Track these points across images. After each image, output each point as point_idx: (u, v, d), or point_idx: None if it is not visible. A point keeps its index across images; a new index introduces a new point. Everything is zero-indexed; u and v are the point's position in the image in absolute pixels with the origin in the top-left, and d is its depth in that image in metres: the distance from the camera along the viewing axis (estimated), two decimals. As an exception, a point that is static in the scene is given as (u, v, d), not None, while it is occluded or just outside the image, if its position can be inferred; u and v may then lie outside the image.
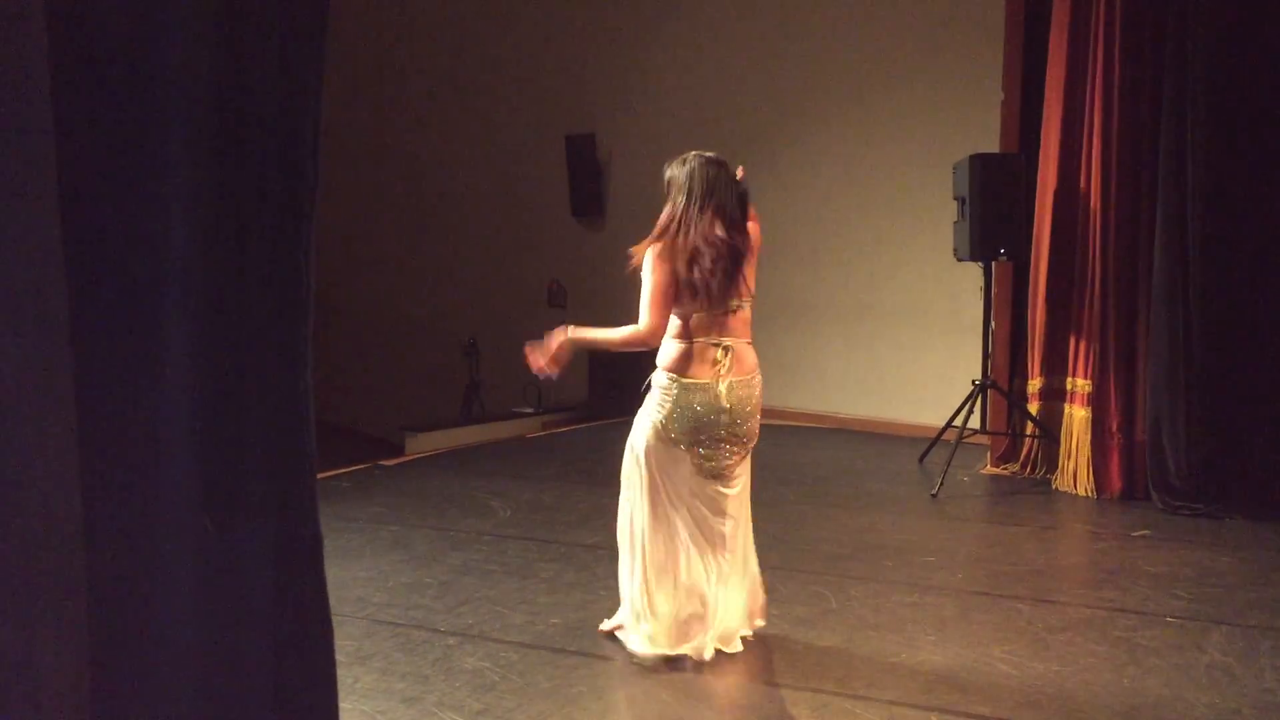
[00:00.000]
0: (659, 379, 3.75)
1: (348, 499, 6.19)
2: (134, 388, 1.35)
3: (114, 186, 1.33)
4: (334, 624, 4.05)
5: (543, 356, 3.78)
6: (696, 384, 3.69)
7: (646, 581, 3.80)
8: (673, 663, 3.77)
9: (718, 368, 3.69)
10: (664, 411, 3.72)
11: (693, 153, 3.75)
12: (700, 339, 3.70)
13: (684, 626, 3.79)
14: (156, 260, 1.35)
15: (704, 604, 3.79)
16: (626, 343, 3.72)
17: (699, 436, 3.71)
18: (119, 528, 1.34)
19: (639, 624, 3.83)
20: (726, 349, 3.70)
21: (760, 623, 4.00)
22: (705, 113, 9.30)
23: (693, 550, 3.77)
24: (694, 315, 3.69)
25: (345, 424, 11.71)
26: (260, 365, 1.43)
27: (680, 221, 3.64)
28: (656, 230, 3.68)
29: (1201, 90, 5.78)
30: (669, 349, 3.74)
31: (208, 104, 1.39)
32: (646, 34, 9.94)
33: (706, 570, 3.78)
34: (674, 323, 3.73)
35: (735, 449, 3.77)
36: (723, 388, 3.69)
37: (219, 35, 1.40)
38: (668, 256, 3.63)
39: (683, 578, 3.78)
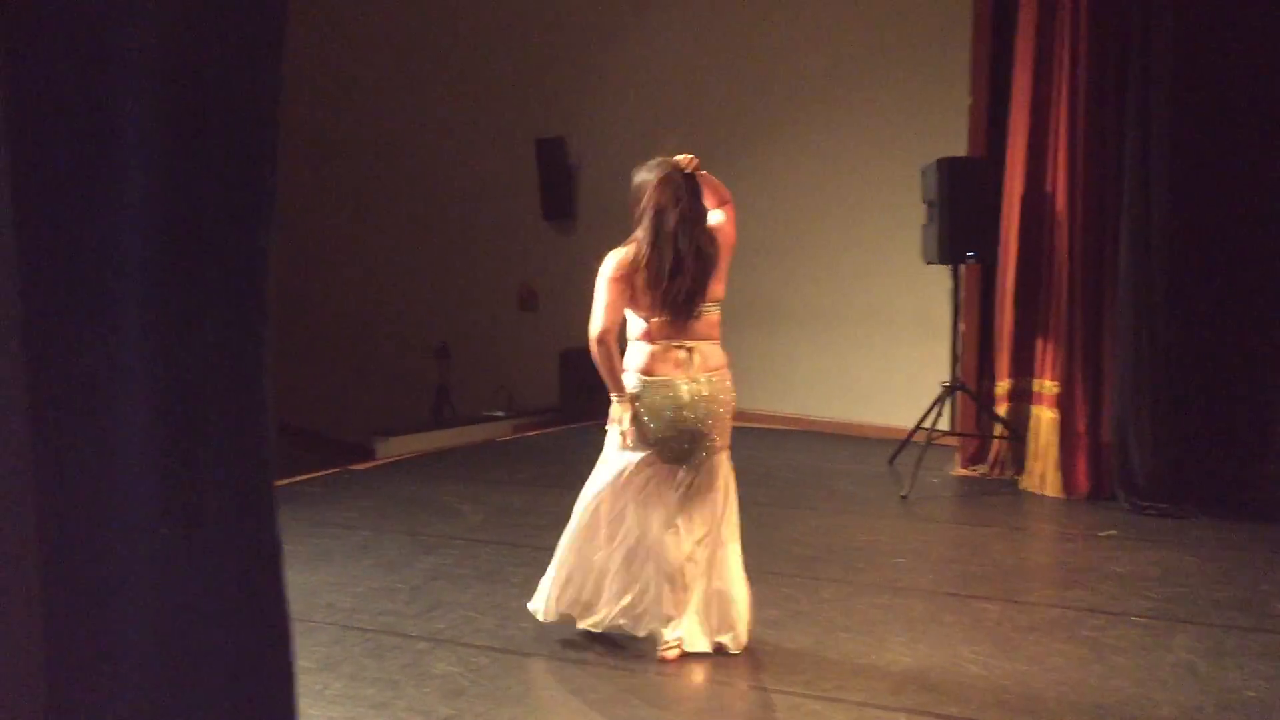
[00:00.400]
0: (627, 379, 3.78)
1: (318, 504, 6.15)
2: (89, 394, 1.33)
3: (68, 188, 1.31)
4: (303, 630, 4.02)
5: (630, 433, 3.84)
6: (659, 381, 3.75)
7: (566, 547, 3.94)
8: (643, 665, 3.78)
9: (681, 367, 3.74)
10: (633, 410, 3.77)
11: (657, 160, 3.79)
12: (662, 342, 3.76)
13: (583, 604, 3.94)
14: (112, 262, 1.33)
15: (613, 590, 3.88)
16: (596, 354, 3.76)
17: (663, 433, 3.75)
18: (74, 538, 1.31)
19: (548, 583, 3.98)
20: (690, 350, 3.75)
21: (727, 639, 3.91)
22: (675, 116, 9.30)
23: (640, 541, 3.84)
24: (654, 320, 3.75)
25: (315, 429, 11.64)
26: (219, 371, 1.40)
27: (642, 253, 3.70)
28: (624, 261, 3.74)
29: (1166, 95, 5.85)
30: (635, 351, 3.80)
31: (164, 101, 1.37)
32: (616, 38, 9.95)
33: (632, 563, 3.85)
34: (638, 324, 3.78)
35: (696, 447, 3.79)
36: (684, 385, 3.73)
37: (176, 25, 1.38)
38: (626, 279, 3.72)
39: (606, 559, 3.89)
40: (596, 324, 3.71)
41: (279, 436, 1.56)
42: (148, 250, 1.36)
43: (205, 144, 1.41)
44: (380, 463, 7.82)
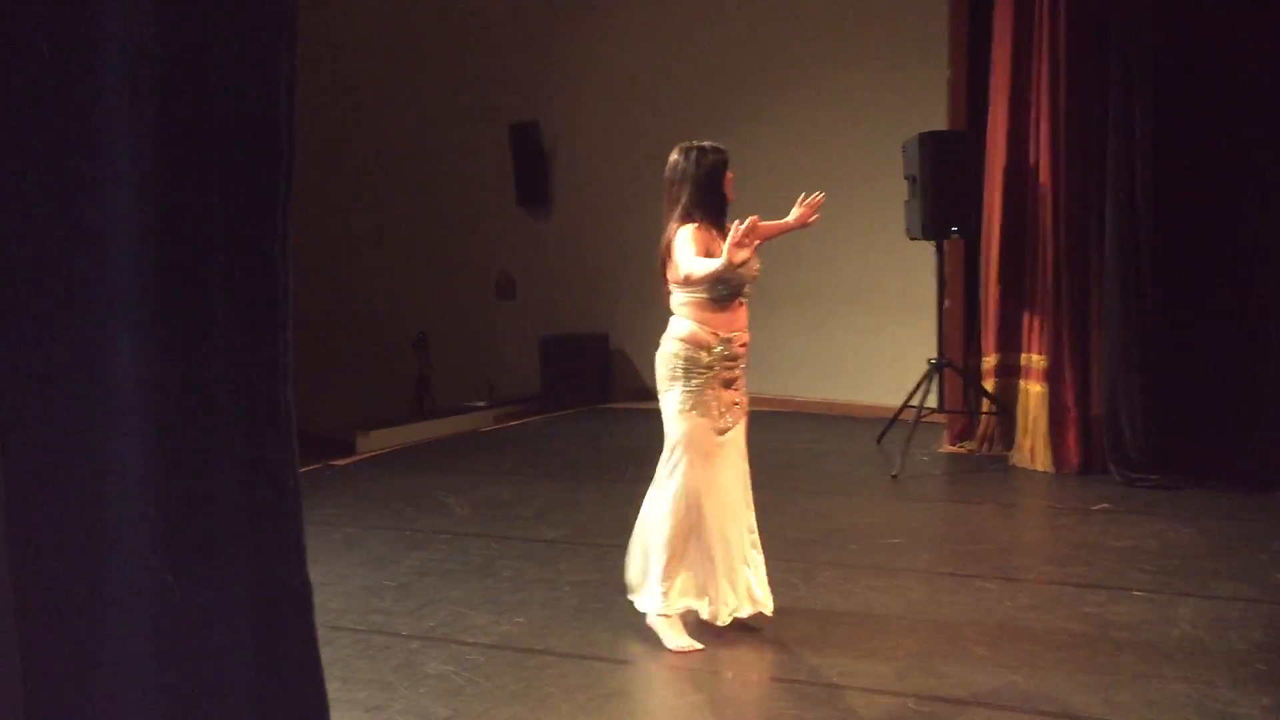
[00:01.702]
0: None
1: (300, 501, 6.03)
2: (73, 410, 1.16)
3: (44, 176, 1.16)
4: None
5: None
6: None
7: None
8: (644, 657, 3.71)
9: None
10: None
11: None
12: None
13: None
14: (99, 256, 1.18)
15: None
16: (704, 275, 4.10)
17: None
18: (58, 585, 1.14)
19: None
20: None
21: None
22: (651, 98, 9.20)
23: None
24: None
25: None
26: (228, 382, 1.23)
27: None
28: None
29: (1148, 65, 5.79)
30: None
31: (152, 67, 1.21)
32: (591, 20, 9.82)
33: None
34: None
35: None
36: None
37: (172, 13, 1.22)
38: None
39: None
40: None
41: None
42: (141, 240, 1.22)
43: (207, 115, 1.27)
44: (361, 457, 7.71)
